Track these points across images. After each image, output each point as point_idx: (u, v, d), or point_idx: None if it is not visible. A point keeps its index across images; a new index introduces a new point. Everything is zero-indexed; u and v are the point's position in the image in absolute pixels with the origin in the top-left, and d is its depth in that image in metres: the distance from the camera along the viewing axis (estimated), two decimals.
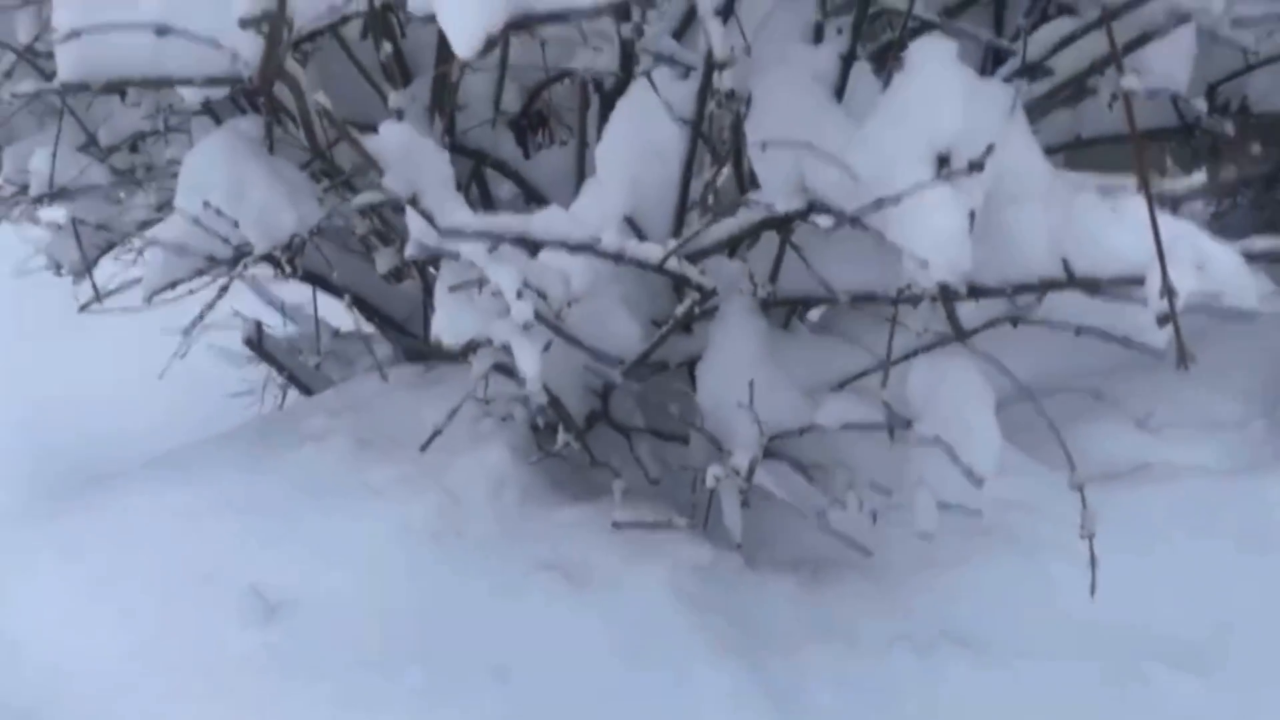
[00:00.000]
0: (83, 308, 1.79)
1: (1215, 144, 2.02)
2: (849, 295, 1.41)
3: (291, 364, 2.40)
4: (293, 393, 2.57)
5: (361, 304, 2.11)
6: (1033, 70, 1.62)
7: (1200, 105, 1.81)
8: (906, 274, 1.10)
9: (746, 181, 1.73)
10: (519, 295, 1.15)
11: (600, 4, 0.95)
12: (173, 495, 1.74)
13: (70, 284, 2.20)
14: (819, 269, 1.42)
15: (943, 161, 1.05)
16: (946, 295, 1.21)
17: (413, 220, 1.32)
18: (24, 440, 3.02)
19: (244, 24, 1.02)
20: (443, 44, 1.60)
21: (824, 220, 1.13)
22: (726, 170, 1.64)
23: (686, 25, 1.66)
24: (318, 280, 2.13)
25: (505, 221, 1.17)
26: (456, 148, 1.79)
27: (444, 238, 1.16)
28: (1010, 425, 1.35)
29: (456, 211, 1.23)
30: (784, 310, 1.62)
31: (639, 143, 1.46)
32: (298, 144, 1.67)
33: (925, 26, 1.54)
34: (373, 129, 1.76)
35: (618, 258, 1.25)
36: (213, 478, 1.75)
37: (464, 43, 0.93)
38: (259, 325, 2.33)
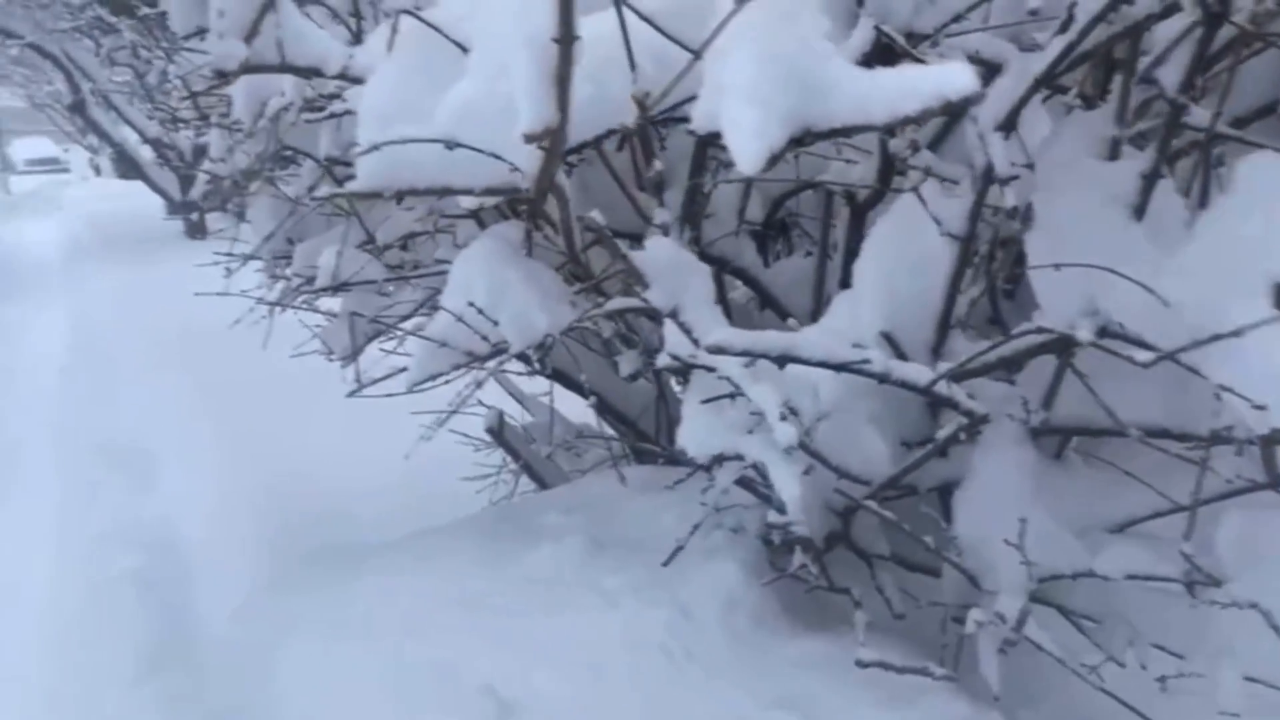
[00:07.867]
0: (350, 394, 1.92)
1: None
2: (1141, 430, 1.26)
3: (528, 454, 2.46)
4: (524, 480, 2.64)
5: (598, 401, 2.14)
6: None
7: None
8: (1229, 414, 0.96)
9: (1000, 302, 1.62)
10: (782, 417, 1.09)
11: (895, 118, 0.91)
12: (413, 583, 1.80)
13: (339, 368, 2.39)
14: (1104, 398, 1.28)
15: None
16: (1272, 440, 1.05)
17: (670, 332, 1.31)
18: (276, 505, 3.30)
19: (528, 139, 1.06)
20: (698, 157, 1.62)
21: (1143, 355, 1.01)
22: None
23: (944, 135, 1.59)
24: (560, 377, 2.19)
25: (770, 339, 1.13)
26: (702, 255, 1.80)
27: (708, 353, 1.14)
28: None
29: (716, 327, 1.21)
30: (1055, 440, 1.47)
31: (900, 258, 1.39)
32: (554, 248, 1.73)
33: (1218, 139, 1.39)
34: (623, 235, 1.81)
35: (883, 378, 1.18)
36: (450, 570, 1.79)
37: (749, 161, 0.92)
38: (501, 415, 2.41)
